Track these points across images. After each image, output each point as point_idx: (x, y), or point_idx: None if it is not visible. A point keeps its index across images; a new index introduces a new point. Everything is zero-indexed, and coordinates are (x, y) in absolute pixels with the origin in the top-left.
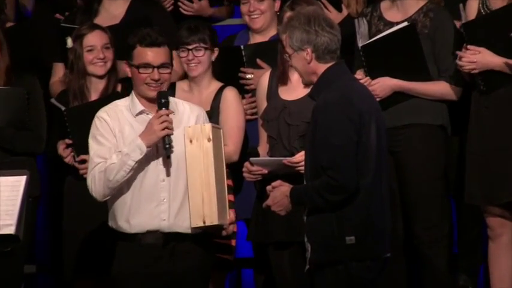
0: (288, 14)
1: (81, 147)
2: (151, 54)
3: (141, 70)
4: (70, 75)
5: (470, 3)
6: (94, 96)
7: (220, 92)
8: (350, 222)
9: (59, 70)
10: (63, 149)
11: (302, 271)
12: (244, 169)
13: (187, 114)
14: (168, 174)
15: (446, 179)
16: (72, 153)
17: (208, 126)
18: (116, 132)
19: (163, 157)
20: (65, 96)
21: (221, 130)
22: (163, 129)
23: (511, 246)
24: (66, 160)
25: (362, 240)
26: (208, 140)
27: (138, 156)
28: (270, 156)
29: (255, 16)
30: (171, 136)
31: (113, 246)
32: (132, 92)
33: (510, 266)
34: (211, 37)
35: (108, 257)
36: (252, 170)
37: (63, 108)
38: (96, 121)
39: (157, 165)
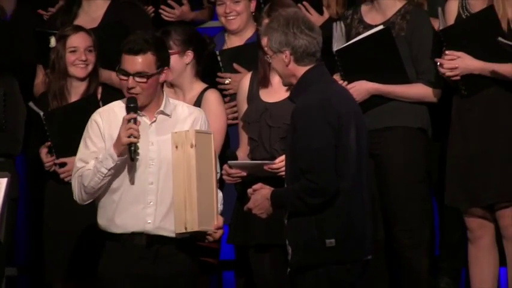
0: (266, 20)
1: (61, 150)
2: (128, 62)
3: (119, 76)
4: (51, 75)
5: (450, 5)
6: (74, 98)
7: (202, 94)
8: (330, 225)
9: (40, 71)
10: (46, 154)
11: (282, 274)
12: (223, 172)
13: (184, 117)
14: (157, 178)
15: (430, 181)
16: (54, 159)
17: (191, 132)
18: (106, 135)
19: (153, 161)
20: (44, 98)
21: (211, 135)
22: (129, 136)
23: (491, 249)
24: (47, 166)
25: (342, 243)
26: (191, 146)
27: (110, 164)
28: (251, 158)
29: (231, 17)
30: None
31: (100, 246)
32: None
33: (490, 269)
34: (181, 41)
35: (89, 259)
36: (231, 172)
37: (41, 113)
38: (89, 123)
39: (147, 168)
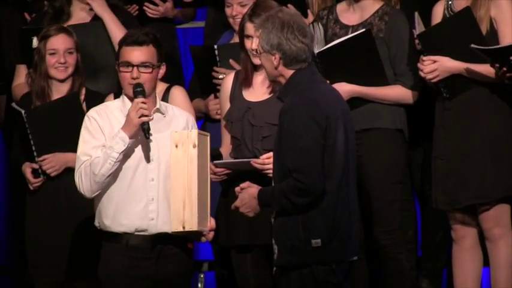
0: (248, 24)
1: (42, 148)
2: (132, 53)
3: (121, 68)
4: (33, 75)
5: (436, 8)
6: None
7: (167, 92)
8: (316, 225)
9: (21, 72)
10: (30, 173)
11: (264, 274)
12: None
13: (176, 117)
14: (157, 174)
15: (412, 182)
16: (40, 179)
17: (194, 132)
18: (106, 131)
19: (153, 157)
20: (28, 97)
21: (208, 136)
22: (140, 117)
23: (474, 249)
24: (34, 186)
25: (328, 244)
26: (194, 146)
27: (121, 147)
28: (234, 157)
29: (238, 19)
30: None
31: (91, 247)
32: (123, 93)
33: (473, 269)
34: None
35: (71, 260)
36: (217, 171)
37: (23, 112)
38: (86, 121)
39: (146, 164)
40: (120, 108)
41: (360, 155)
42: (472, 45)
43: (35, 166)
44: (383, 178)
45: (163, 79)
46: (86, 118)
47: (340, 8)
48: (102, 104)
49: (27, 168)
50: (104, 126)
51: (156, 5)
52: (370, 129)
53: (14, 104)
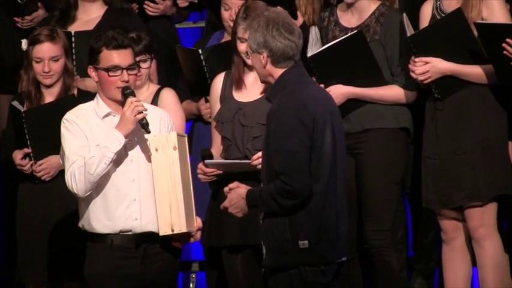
0: (241, 26)
1: (40, 149)
2: (119, 56)
3: (110, 73)
4: (24, 76)
5: (424, 8)
6: (49, 99)
7: (157, 94)
8: (303, 226)
9: None
10: (21, 159)
11: (255, 274)
12: (198, 171)
13: (151, 116)
14: (137, 174)
15: (402, 182)
16: (32, 162)
17: (173, 134)
18: (86, 132)
19: (132, 158)
20: (20, 97)
21: (185, 138)
22: (136, 114)
23: (464, 250)
24: (25, 169)
25: (315, 245)
26: (174, 148)
27: (117, 147)
28: (225, 158)
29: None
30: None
31: (82, 248)
32: (97, 95)
33: (464, 269)
34: (150, 45)
35: (62, 260)
36: (207, 171)
37: (22, 110)
38: (65, 123)
39: (126, 165)
40: (95, 110)
41: (361, 153)
42: (477, 21)
43: (26, 151)
44: (380, 177)
45: (165, 75)
46: (64, 121)
47: (340, 10)
48: (77, 107)
49: (17, 155)
50: (83, 128)
51: (155, 3)
52: (373, 129)
53: (15, 103)
